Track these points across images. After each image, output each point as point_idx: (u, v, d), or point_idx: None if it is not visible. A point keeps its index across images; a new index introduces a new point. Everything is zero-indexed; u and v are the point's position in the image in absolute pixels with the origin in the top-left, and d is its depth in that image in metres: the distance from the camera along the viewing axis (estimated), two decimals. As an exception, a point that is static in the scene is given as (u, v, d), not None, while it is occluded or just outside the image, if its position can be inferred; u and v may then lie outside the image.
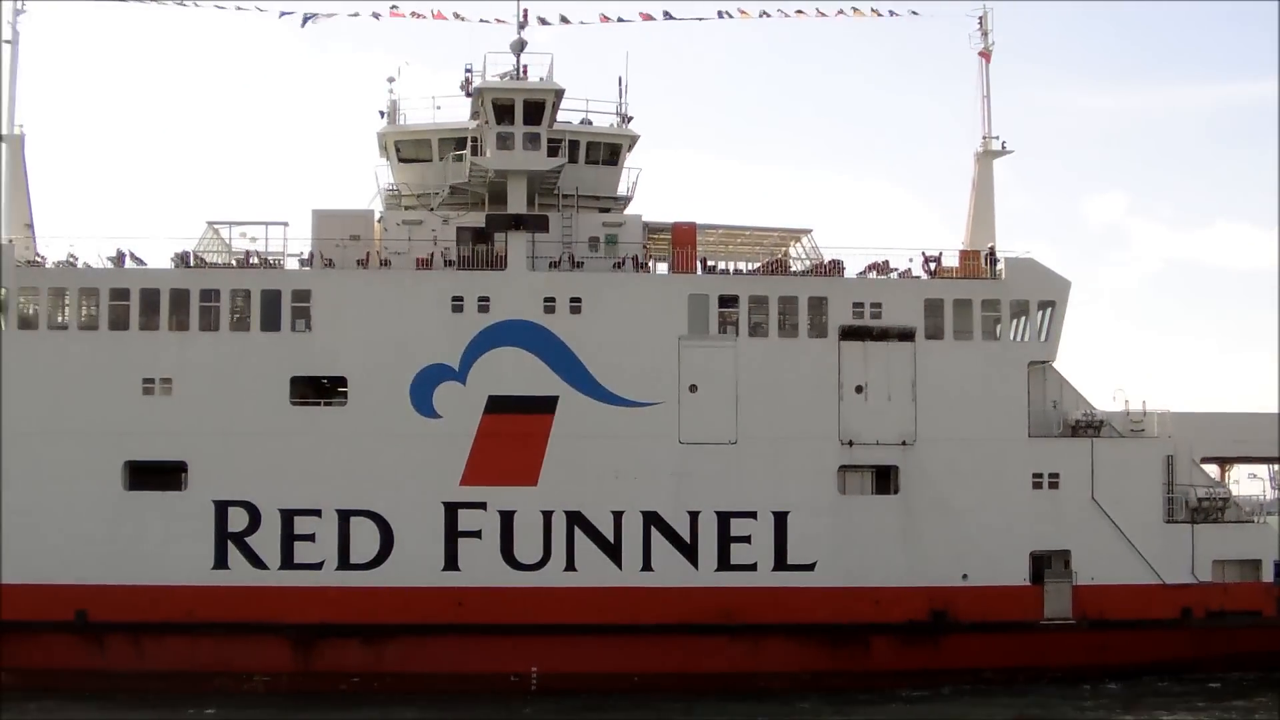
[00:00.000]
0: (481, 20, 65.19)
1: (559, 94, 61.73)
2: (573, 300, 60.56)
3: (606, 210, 65.09)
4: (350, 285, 60.63)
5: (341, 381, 60.47)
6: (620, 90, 66.22)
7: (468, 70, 63.95)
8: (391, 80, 66.05)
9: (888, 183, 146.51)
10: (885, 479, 61.80)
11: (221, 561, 59.58)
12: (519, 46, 62.48)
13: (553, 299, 60.55)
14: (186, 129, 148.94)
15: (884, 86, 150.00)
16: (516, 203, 61.62)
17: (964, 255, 63.35)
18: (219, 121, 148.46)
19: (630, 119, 66.15)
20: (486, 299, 60.40)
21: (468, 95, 63.30)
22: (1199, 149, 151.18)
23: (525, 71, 63.26)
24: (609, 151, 65.40)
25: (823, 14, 67.36)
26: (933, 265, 63.11)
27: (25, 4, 65.48)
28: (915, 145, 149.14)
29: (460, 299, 60.34)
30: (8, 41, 65.62)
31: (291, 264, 62.39)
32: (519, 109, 60.91)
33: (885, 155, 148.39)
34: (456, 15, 64.96)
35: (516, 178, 61.59)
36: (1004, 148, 67.20)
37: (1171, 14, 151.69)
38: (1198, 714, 57.25)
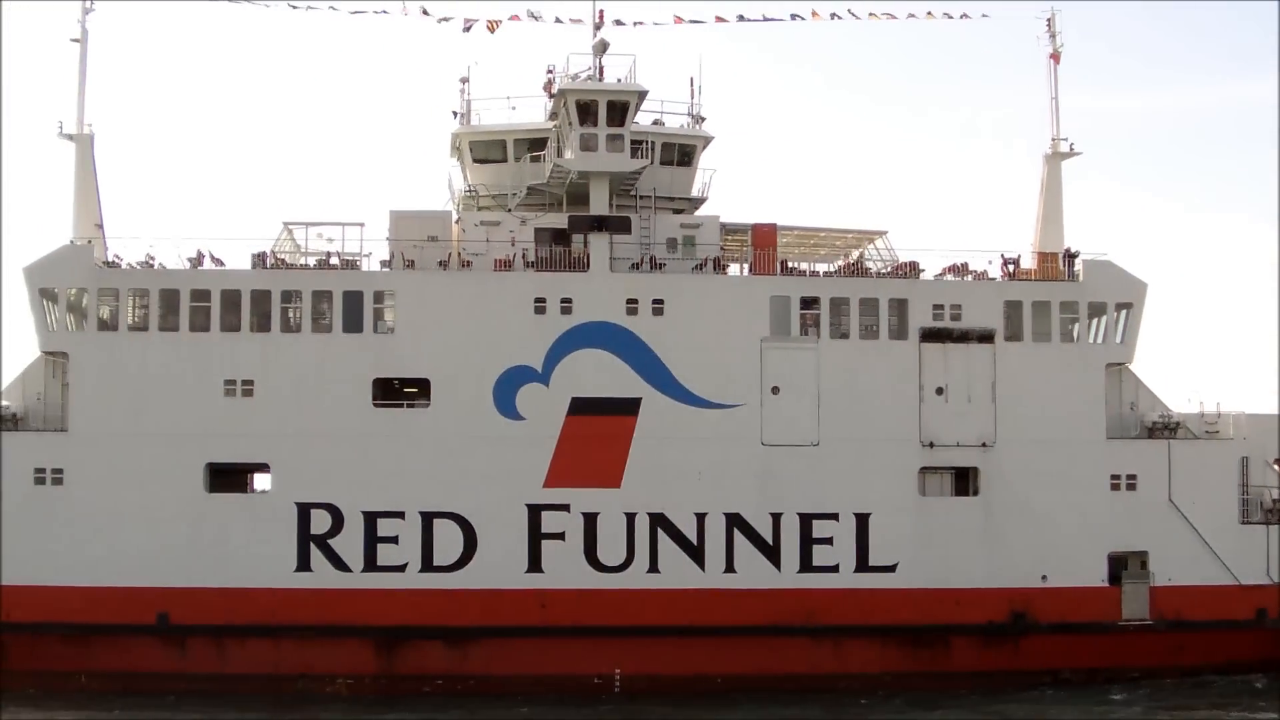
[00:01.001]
0: (557, 20, 64.18)
1: (642, 95, 60.59)
2: (655, 302, 59.52)
3: (680, 211, 64.08)
4: (433, 286, 59.45)
5: (423, 383, 59.44)
6: (692, 91, 65.32)
7: (549, 71, 62.87)
8: (464, 81, 64.95)
9: (956, 183, 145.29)
10: (963, 480, 61.02)
11: (304, 564, 58.38)
12: (601, 48, 61.26)
13: (635, 300, 59.51)
14: (256, 128, 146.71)
15: (952, 87, 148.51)
16: (599, 204, 60.49)
17: (1041, 257, 62.57)
18: (290, 121, 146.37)
19: (703, 119, 65.20)
20: (569, 300, 59.36)
21: (550, 96, 62.13)
22: (1203, 148, 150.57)
23: (602, 72, 62.22)
24: (683, 152, 64.37)
25: (893, 16, 66.60)
26: (1011, 267, 62.37)
27: (94, 3, 64.18)
28: (981, 145, 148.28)
29: (543, 300, 59.30)
30: (75, 40, 64.24)
31: (367, 265, 61.32)
32: (602, 110, 59.73)
33: (953, 155, 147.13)
34: (532, 15, 63.85)
35: (599, 179, 60.44)
36: (1072, 149, 66.52)
37: (1173, 14, 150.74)
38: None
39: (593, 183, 60.56)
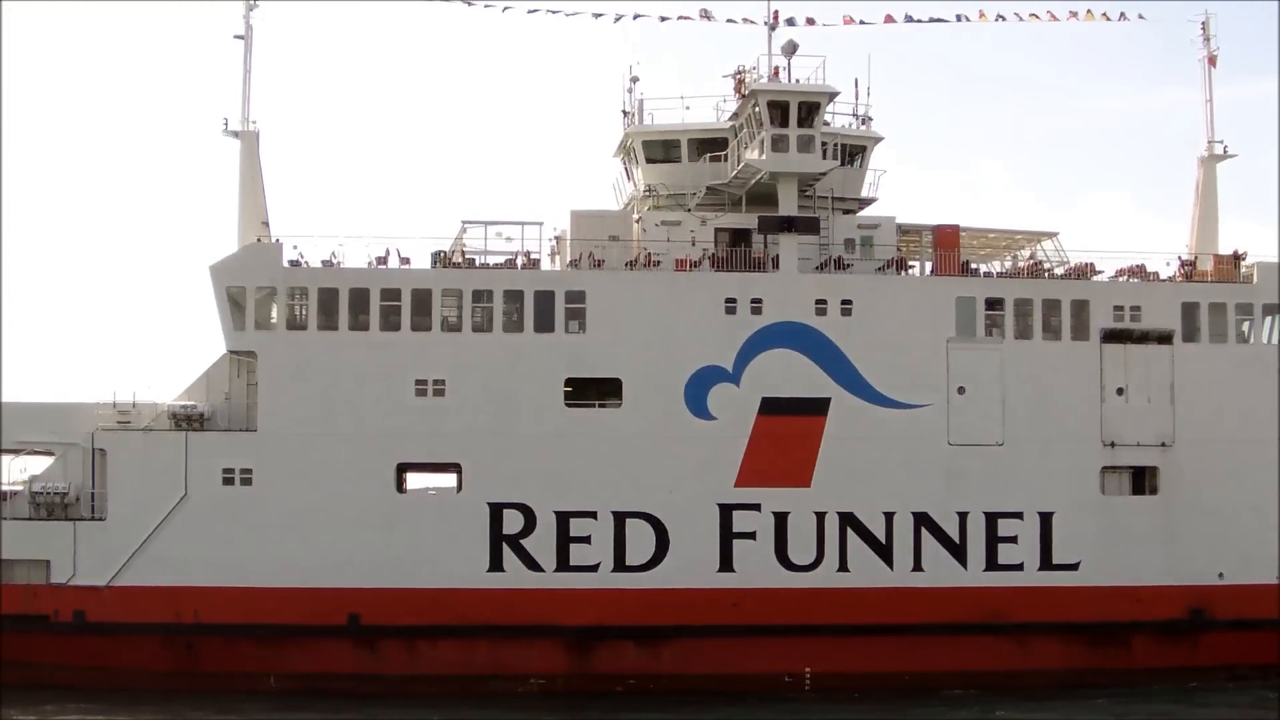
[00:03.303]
0: (729, 20, 62.53)
1: (832, 96, 58.93)
2: (844, 302, 58.02)
3: (850, 212, 62.65)
4: (625, 286, 57.76)
5: (614, 383, 57.74)
6: (857, 92, 63.79)
7: (739, 71, 61.14)
8: (634, 81, 63.30)
9: (1110, 181, 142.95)
10: (1140, 479, 59.93)
11: (496, 564, 56.68)
12: (791, 49, 59.38)
13: (824, 301, 57.97)
14: (420, 126, 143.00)
15: (1104, 86, 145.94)
16: (787, 204, 58.75)
17: (1217, 260, 61.51)
18: (458, 119, 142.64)
19: (869, 120, 63.77)
20: (759, 301, 57.87)
21: (742, 96, 60.42)
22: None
23: (777, 73, 60.68)
24: (854, 153, 62.91)
25: (1054, 17, 65.42)
26: (1189, 269, 61.45)
27: (259, 2, 62.24)
28: (1133, 147, 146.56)
29: (733, 301, 57.68)
30: (239, 37, 62.29)
31: (546, 263, 59.74)
32: (793, 111, 58.06)
33: (1105, 157, 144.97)
34: (705, 14, 62.27)
35: (787, 180, 58.82)
36: (1226, 152, 65.59)
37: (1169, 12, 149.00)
38: None
39: (781, 183, 58.85)
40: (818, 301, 57.94)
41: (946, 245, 59.82)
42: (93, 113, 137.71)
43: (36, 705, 53.01)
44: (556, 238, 61.25)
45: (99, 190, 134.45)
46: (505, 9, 62.15)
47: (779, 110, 58.22)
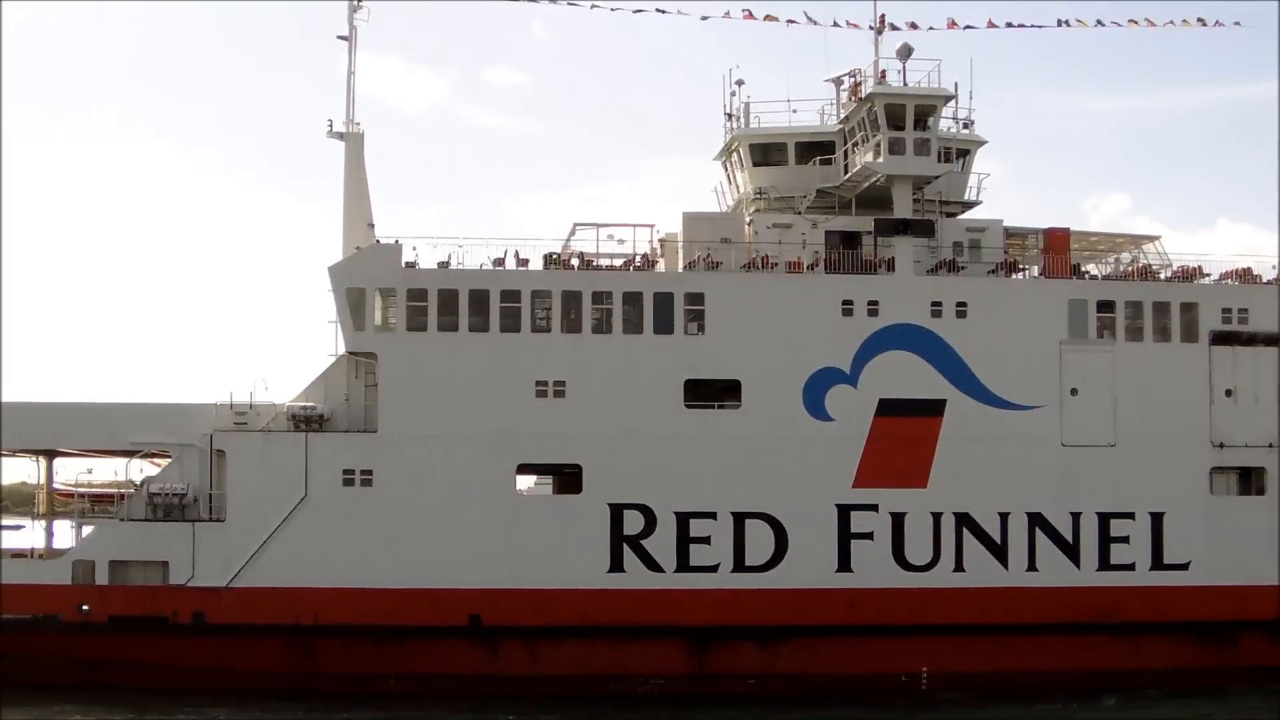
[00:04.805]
0: (834, 24, 62.52)
1: (947, 99, 59.03)
2: (959, 305, 58.06)
3: (953, 215, 62.74)
4: (743, 288, 57.66)
5: (733, 384, 57.58)
6: (957, 95, 63.52)
7: (853, 74, 61.14)
8: (739, 84, 63.16)
9: (1191, 182, 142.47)
10: (1247, 479, 60.03)
11: (617, 564, 56.41)
12: (906, 53, 59.30)
13: (939, 303, 57.94)
14: (527, 129, 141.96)
15: (1178, 84, 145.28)
16: (903, 207, 58.66)
17: (1319, 262, 61.98)
18: (563, 122, 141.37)
19: (971, 123, 63.76)
20: (876, 303, 57.84)
21: (857, 100, 60.31)
22: (1201, 149, 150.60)
23: (884, 76, 60.69)
24: (958, 156, 62.91)
25: (1152, 23, 65.73)
26: (1293, 272, 61.75)
27: (364, 2, 61.97)
28: (1214, 150, 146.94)
29: (850, 303, 57.65)
30: (343, 38, 62.04)
31: (658, 265, 59.60)
32: (909, 114, 58.09)
33: (1194, 160, 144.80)
34: (809, 17, 62.27)
35: (902, 182, 58.87)
36: (1316, 155, 66.03)
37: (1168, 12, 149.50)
38: None
39: (896, 186, 58.82)
40: (933, 304, 57.89)
41: (1058, 248, 59.87)
42: (185, 109, 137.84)
43: (39, 706, 52.44)
44: (662, 240, 61.04)
45: (201, 192, 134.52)
46: (614, 9, 61.89)
47: (895, 113, 58.20)
